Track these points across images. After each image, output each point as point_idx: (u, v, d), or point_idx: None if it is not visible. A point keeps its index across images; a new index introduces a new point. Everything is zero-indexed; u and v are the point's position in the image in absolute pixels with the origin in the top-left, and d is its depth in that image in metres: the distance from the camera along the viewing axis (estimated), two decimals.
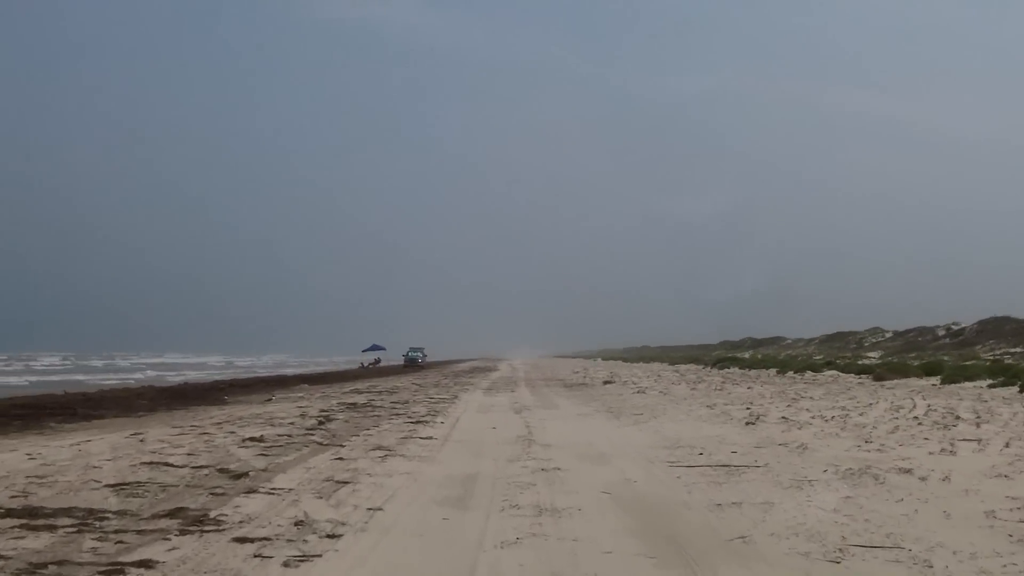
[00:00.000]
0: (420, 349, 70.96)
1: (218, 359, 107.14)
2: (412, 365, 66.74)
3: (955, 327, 74.36)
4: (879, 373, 31.42)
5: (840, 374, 36.44)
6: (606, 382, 33.08)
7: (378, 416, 17.59)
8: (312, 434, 13.78)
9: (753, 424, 14.70)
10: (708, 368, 49.86)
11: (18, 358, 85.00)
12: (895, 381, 29.45)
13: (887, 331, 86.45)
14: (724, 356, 57.77)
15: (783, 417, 15.59)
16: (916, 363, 42.64)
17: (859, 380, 31.26)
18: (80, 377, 49.90)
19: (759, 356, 73.37)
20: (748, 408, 18.50)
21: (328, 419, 16.66)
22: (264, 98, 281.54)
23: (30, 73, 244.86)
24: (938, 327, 76.19)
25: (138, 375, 53.21)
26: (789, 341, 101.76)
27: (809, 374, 36.85)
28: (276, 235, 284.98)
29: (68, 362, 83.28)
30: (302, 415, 17.68)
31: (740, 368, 47.62)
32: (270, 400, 23.60)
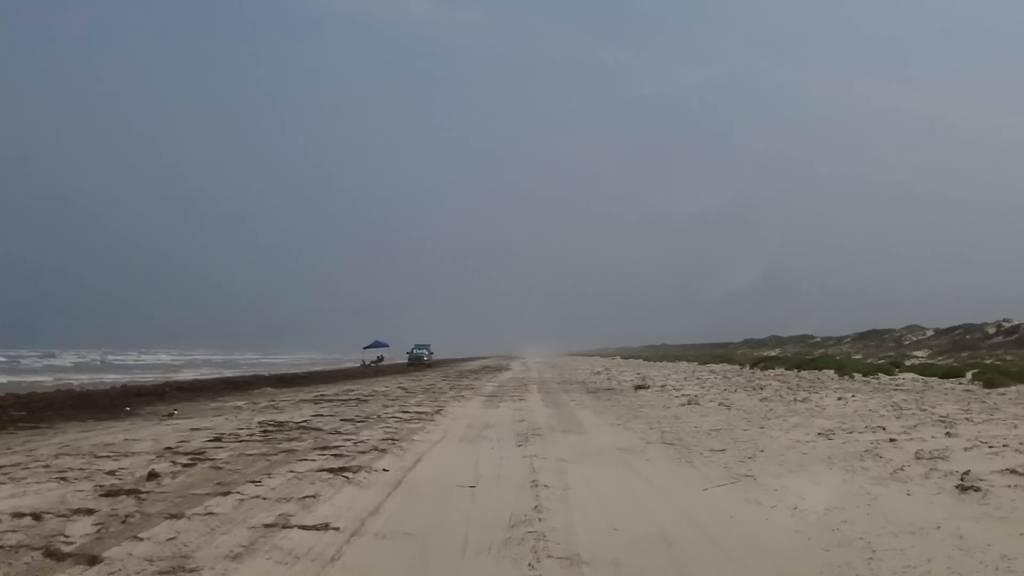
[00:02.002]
0: (426, 346, 63.60)
1: (253, 356, 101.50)
2: (417, 364, 59.57)
3: (1007, 324, 66.58)
4: (990, 378, 23.93)
5: (922, 377, 28.95)
6: (638, 387, 25.72)
7: (290, 451, 10.37)
8: (73, 519, 6.54)
9: (975, 490, 7.34)
10: (749, 369, 42.31)
11: (52, 354, 78.72)
12: (1015, 388, 22.03)
13: (927, 329, 78.37)
14: (766, 356, 50.31)
15: (1011, 471, 8.19)
16: (970, 363, 35.16)
17: (960, 385, 23.80)
18: (104, 375, 43.42)
19: (791, 354, 65.65)
20: (890, 438, 11.17)
21: (196, 460, 9.45)
22: (278, 94, 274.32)
23: (40, 72, 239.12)
24: (987, 324, 68.25)
25: (180, 374, 46.40)
26: (817, 339, 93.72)
27: (884, 378, 29.33)
28: (300, 234, 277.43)
29: (96, 360, 76.62)
30: (165, 451, 10.49)
31: (786, 369, 40.08)
32: (172, 415, 16.37)
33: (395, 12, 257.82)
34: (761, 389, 23.11)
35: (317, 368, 55.90)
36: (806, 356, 58.26)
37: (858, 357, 59.93)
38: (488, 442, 11.93)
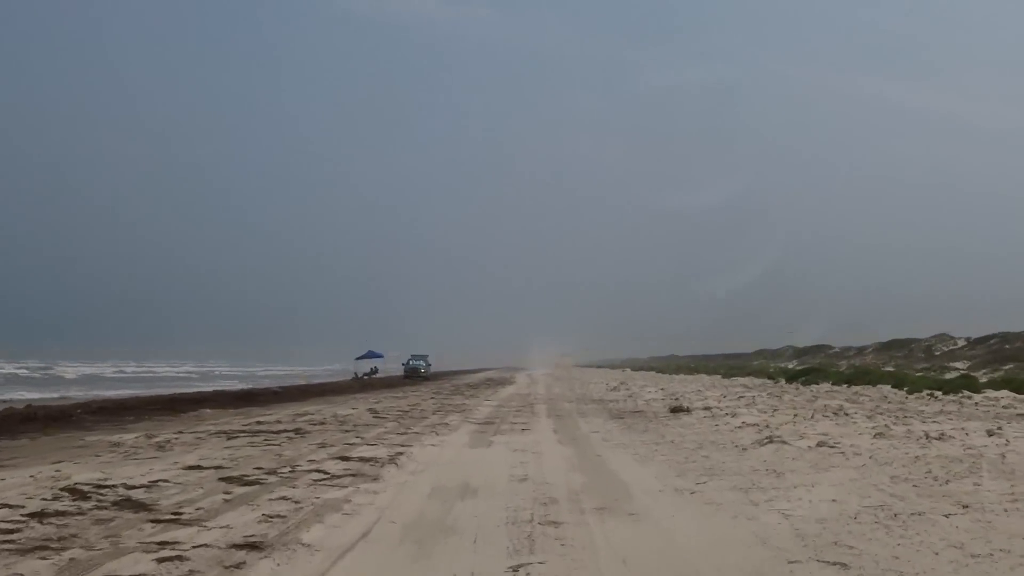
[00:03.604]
0: (423, 357, 57.04)
1: (274, 367, 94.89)
2: (413, 376, 53.25)
3: None
4: None
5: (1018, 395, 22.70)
6: (675, 409, 19.44)
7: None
8: None
9: None
10: (787, 383, 35.96)
11: (53, 365, 72.13)
12: None
13: (957, 338, 71.75)
14: (807, 369, 44.02)
15: None
16: None
17: None
18: (103, 391, 37.13)
19: (817, 364, 58.92)
20: None
21: None
22: (287, 93, 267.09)
23: (54, 70, 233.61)
24: None
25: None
26: (837, 350, 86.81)
27: (976, 396, 23.02)
28: (310, 235, 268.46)
29: (111, 371, 69.44)
30: None
31: (834, 383, 33.75)
32: None
33: (402, 8, 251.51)
34: (846, 415, 16.80)
35: (309, 381, 49.63)
36: (830, 367, 51.81)
37: (890, 368, 53.64)
38: (452, 548, 5.72)
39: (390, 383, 44.93)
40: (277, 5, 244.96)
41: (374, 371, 55.04)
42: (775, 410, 18.25)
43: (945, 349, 68.92)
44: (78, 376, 58.69)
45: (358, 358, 55.83)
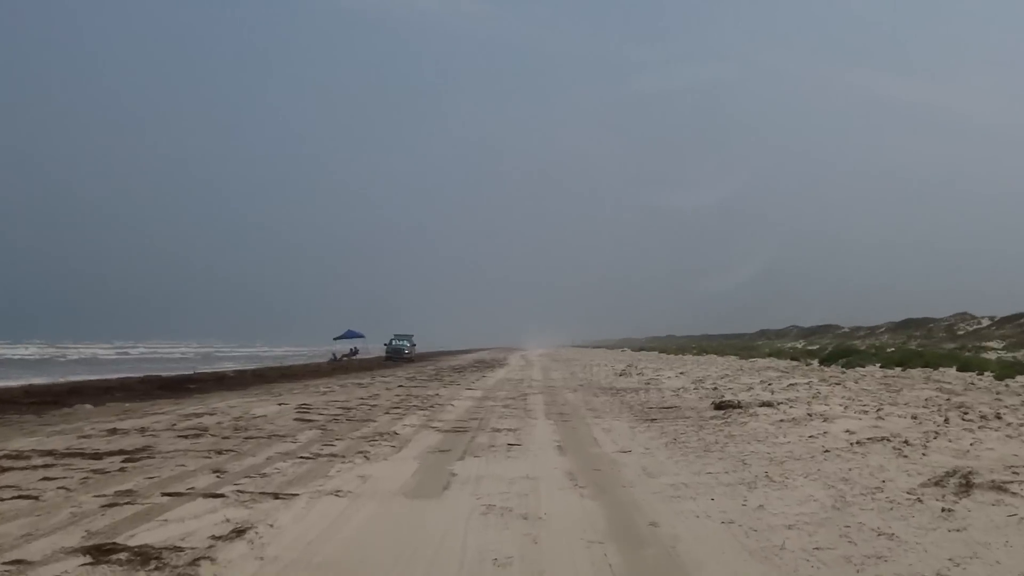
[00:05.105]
0: (408, 337, 51.11)
1: (287, 349, 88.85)
2: (396, 358, 47.46)
3: None
4: None
5: None
6: (722, 406, 13.65)
7: None
8: None
9: None
10: (820, 366, 30.22)
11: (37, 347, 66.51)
12: None
13: (979, 317, 66.17)
14: (848, 350, 38.24)
15: None
16: None
17: None
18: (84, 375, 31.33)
19: (831, 344, 53.13)
20: None
21: None
22: (283, 90, 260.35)
23: (49, 70, 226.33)
24: None
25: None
26: (846, 330, 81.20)
27: None
28: (308, 228, 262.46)
29: (110, 352, 63.71)
30: None
31: (881, 365, 28.05)
32: None
33: (400, 6, 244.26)
34: (997, 418, 11.02)
35: (282, 363, 43.85)
36: (846, 346, 46.11)
37: (915, 348, 48.01)
38: None
39: (368, 365, 39.19)
40: (266, 1, 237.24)
41: (354, 352, 49.25)
42: (878, 409, 12.43)
43: (969, 328, 63.29)
44: (80, 357, 53.22)
45: (336, 338, 49.95)
